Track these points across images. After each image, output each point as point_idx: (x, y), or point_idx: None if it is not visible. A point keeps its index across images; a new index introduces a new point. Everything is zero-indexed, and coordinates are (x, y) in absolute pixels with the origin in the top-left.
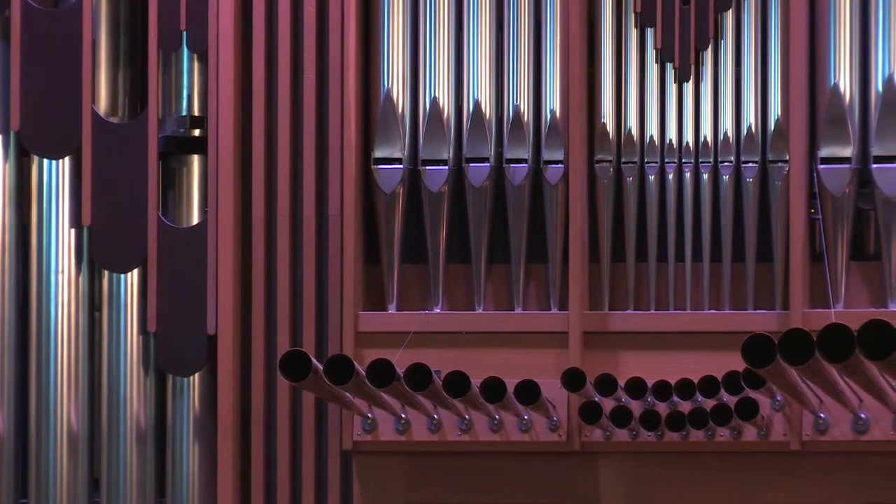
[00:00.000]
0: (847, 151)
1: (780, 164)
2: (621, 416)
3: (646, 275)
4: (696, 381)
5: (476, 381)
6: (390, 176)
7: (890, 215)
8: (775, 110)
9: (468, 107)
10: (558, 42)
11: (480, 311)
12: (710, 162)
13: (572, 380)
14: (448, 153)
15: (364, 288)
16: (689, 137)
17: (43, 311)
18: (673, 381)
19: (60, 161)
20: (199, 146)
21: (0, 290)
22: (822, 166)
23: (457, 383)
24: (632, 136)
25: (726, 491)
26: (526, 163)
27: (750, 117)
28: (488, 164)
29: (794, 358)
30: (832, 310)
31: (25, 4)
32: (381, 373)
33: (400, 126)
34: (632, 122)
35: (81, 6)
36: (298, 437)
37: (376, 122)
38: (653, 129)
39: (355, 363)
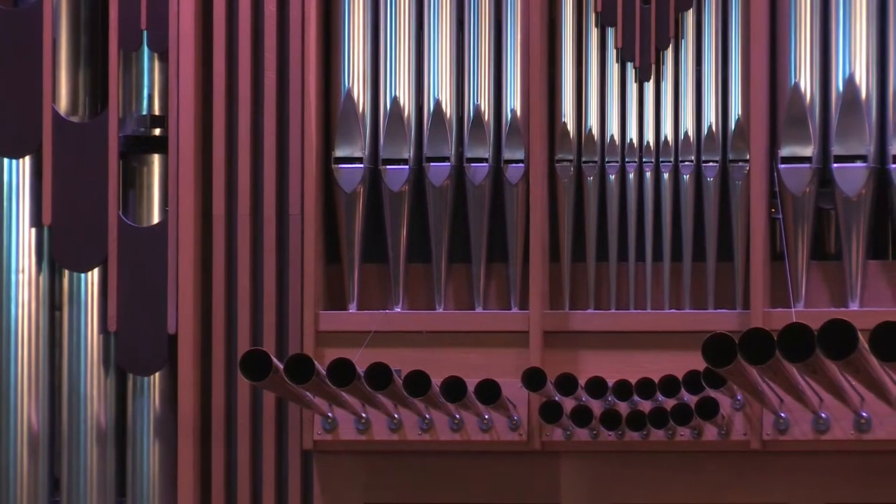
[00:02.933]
0: (807, 151)
1: (740, 163)
2: (582, 416)
3: (606, 274)
4: (656, 380)
5: (436, 381)
6: (351, 175)
7: (850, 215)
8: (736, 110)
9: (429, 106)
10: (519, 41)
11: (441, 310)
12: (670, 161)
13: (533, 379)
14: (409, 152)
15: (324, 287)
16: (649, 137)
17: (3, 310)
18: (633, 381)
19: (21, 160)
20: (160, 145)
21: None
22: (783, 166)
23: (417, 383)
24: (592, 136)
25: (686, 490)
26: (486, 162)
27: (710, 117)
28: (449, 164)
29: (754, 357)
30: (792, 309)
31: None
32: (342, 372)
33: (360, 125)
34: (592, 121)
35: (42, 5)
36: (259, 436)
37: (337, 122)
38: (613, 129)
39: (316, 362)
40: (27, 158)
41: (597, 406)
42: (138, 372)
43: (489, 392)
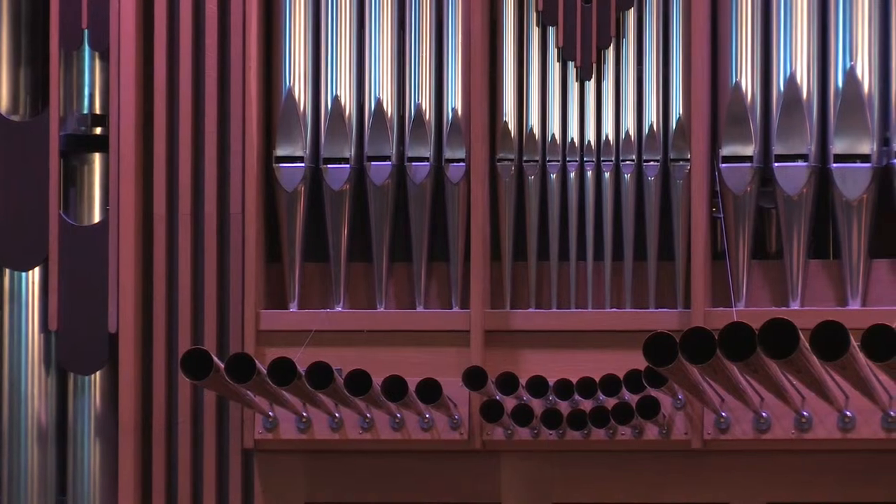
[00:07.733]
0: (749, 150)
1: (681, 162)
2: (523, 415)
3: (547, 273)
4: (597, 379)
5: (377, 380)
6: (292, 174)
7: (791, 214)
8: (677, 109)
9: (370, 105)
10: (460, 41)
11: (382, 309)
12: (611, 161)
13: (473, 378)
14: (350, 151)
15: (265, 286)
16: (590, 136)
17: None
18: (574, 380)
19: None
20: (101, 144)
21: None
22: (724, 165)
23: (358, 382)
24: (533, 135)
25: (627, 490)
26: (427, 161)
27: (652, 116)
28: (390, 163)
29: (695, 356)
30: (734, 308)
31: None
32: (283, 371)
33: (301, 124)
34: (533, 120)
35: None
36: (200, 435)
37: (278, 121)
38: (554, 128)
39: (257, 361)
40: None
41: (538, 405)
42: (79, 371)
43: (430, 391)
